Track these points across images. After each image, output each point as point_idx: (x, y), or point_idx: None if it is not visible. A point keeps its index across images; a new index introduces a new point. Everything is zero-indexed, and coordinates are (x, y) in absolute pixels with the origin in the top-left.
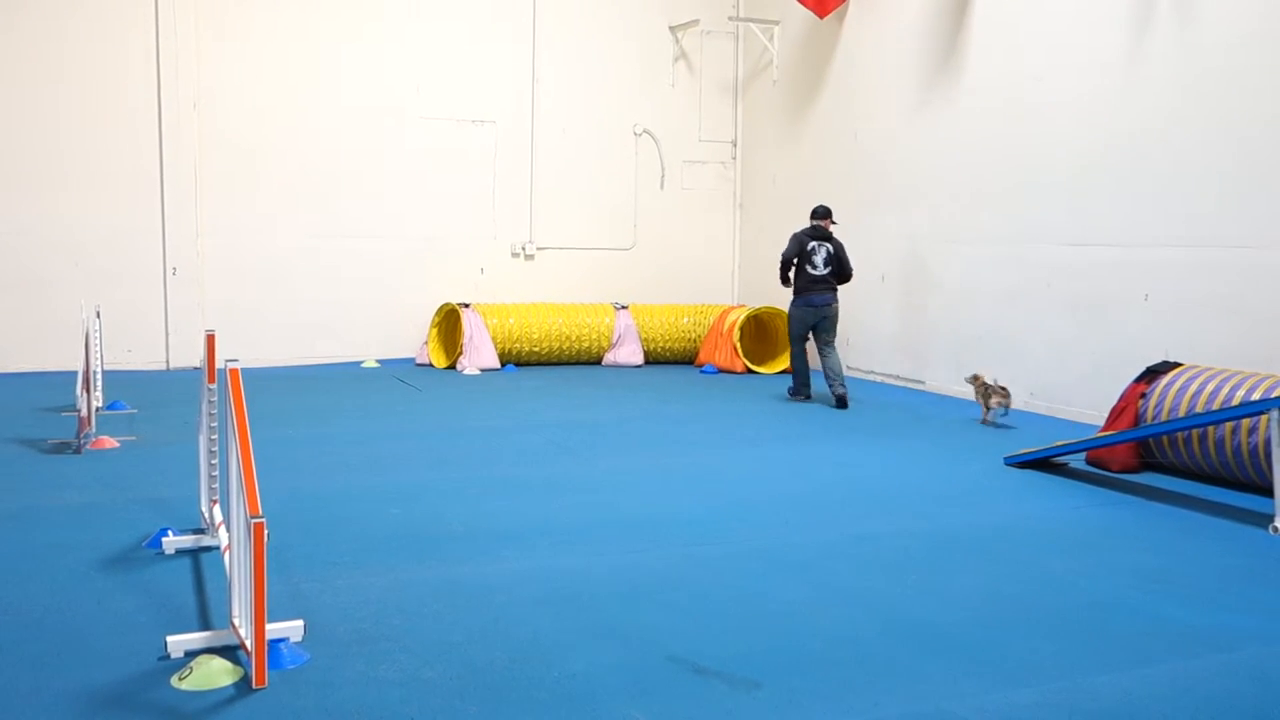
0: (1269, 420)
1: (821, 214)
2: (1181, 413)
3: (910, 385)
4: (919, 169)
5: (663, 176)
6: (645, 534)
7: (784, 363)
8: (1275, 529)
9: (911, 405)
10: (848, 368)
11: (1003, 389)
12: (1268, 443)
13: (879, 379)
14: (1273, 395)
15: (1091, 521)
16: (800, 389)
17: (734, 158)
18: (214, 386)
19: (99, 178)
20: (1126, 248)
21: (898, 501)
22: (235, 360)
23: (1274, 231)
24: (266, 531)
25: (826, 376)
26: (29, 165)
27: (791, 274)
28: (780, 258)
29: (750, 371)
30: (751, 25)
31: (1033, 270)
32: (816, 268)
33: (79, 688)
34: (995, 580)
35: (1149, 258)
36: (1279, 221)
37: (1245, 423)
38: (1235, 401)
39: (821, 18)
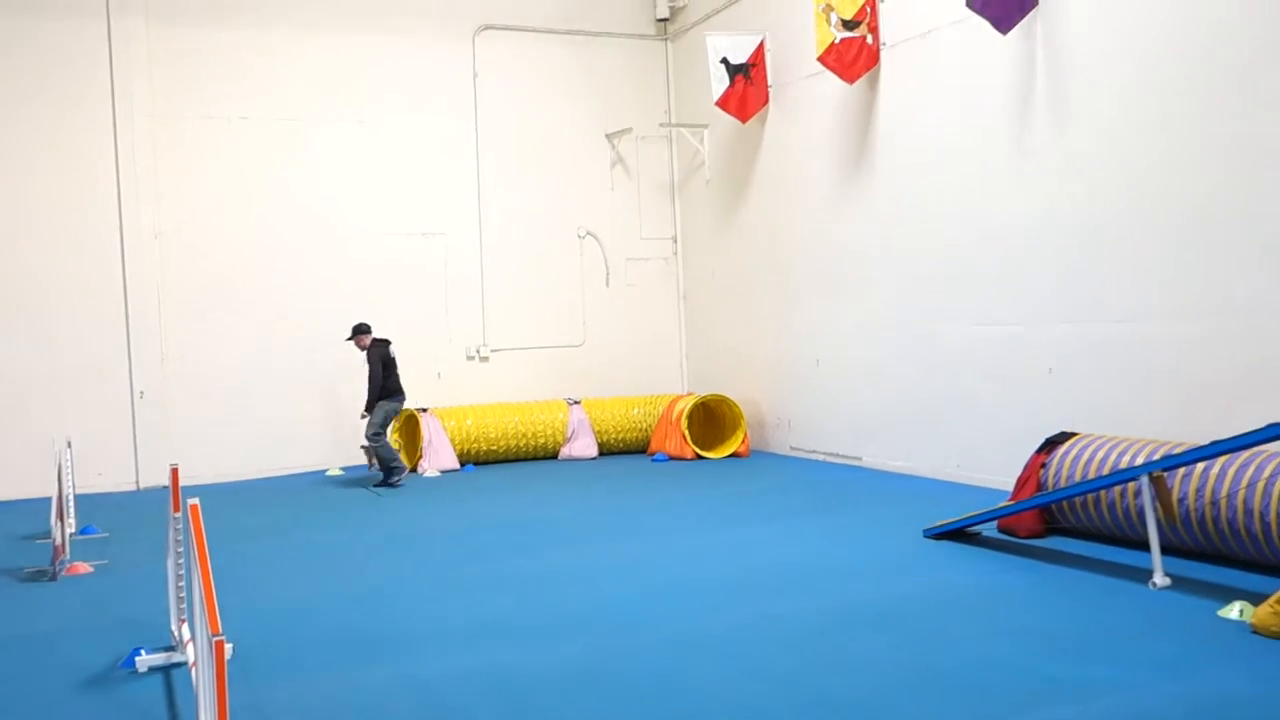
0: (1142, 486)
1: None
2: (1077, 479)
3: (849, 462)
4: (839, 260)
5: (607, 275)
6: (578, 625)
7: (731, 447)
8: (1154, 584)
9: (845, 482)
10: (791, 448)
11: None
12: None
13: (820, 457)
14: (1139, 462)
15: (992, 587)
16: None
17: (675, 253)
18: (179, 515)
19: (68, 307)
20: (1029, 325)
21: (815, 579)
22: (195, 499)
23: (1158, 305)
24: (227, 647)
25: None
26: (2, 305)
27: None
28: (372, 378)
29: (699, 457)
30: (682, 130)
31: (950, 348)
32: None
33: None
34: (894, 648)
35: (1049, 334)
36: (1161, 296)
37: (1131, 486)
38: (1123, 466)
39: (744, 122)
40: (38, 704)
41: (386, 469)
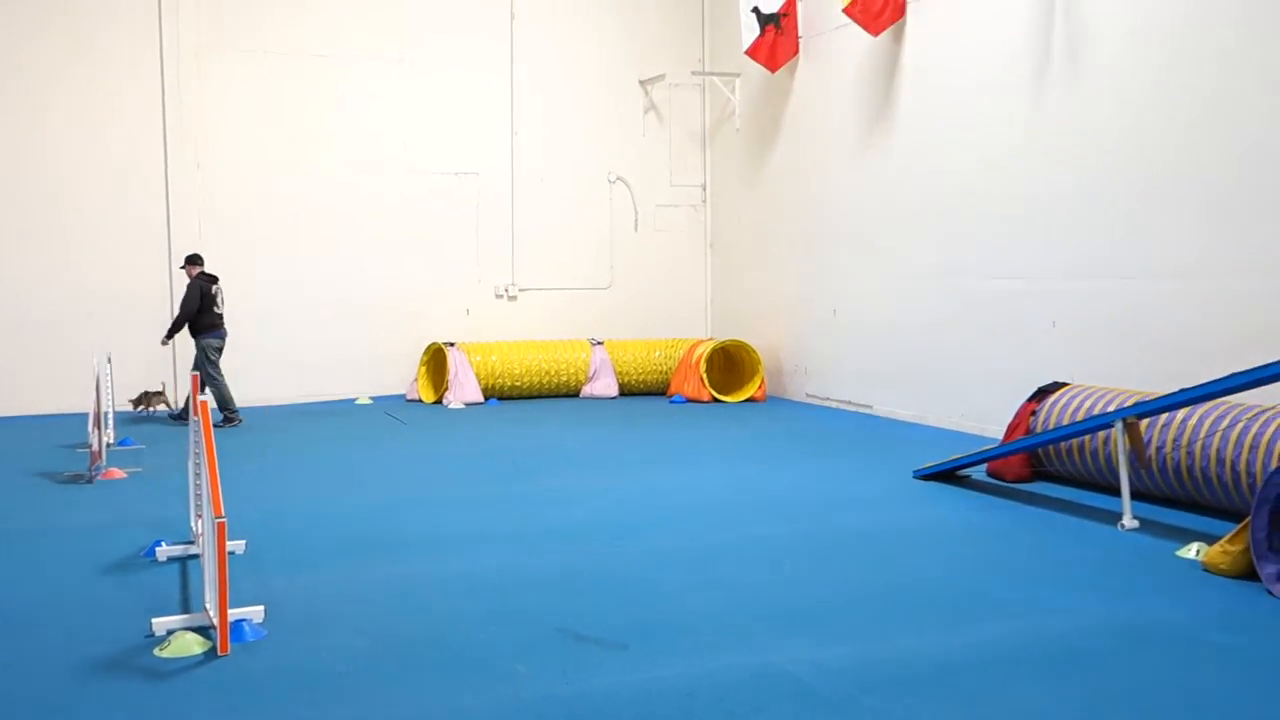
0: (1116, 431)
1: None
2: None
3: (860, 410)
4: (860, 210)
5: (636, 220)
6: (569, 540)
7: (748, 392)
8: (1123, 526)
9: (853, 428)
10: (806, 395)
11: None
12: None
13: (834, 405)
14: (1112, 409)
15: (967, 522)
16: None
17: (704, 201)
18: (198, 419)
19: (113, 234)
20: (1036, 279)
21: (801, 509)
22: (205, 396)
23: (1160, 263)
24: (239, 543)
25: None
26: (48, 224)
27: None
28: (184, 303)
29: (716, 400)
30: (714, 78)
31: (959, 301)
32: (220, 306)
33: (83, 656)
34: (858, 570)
35: (1055, 288)
36: (1165, 254)
37: (1114, 434)
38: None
39: (772, 72)
40: (65, 585)
41: (225, 409)
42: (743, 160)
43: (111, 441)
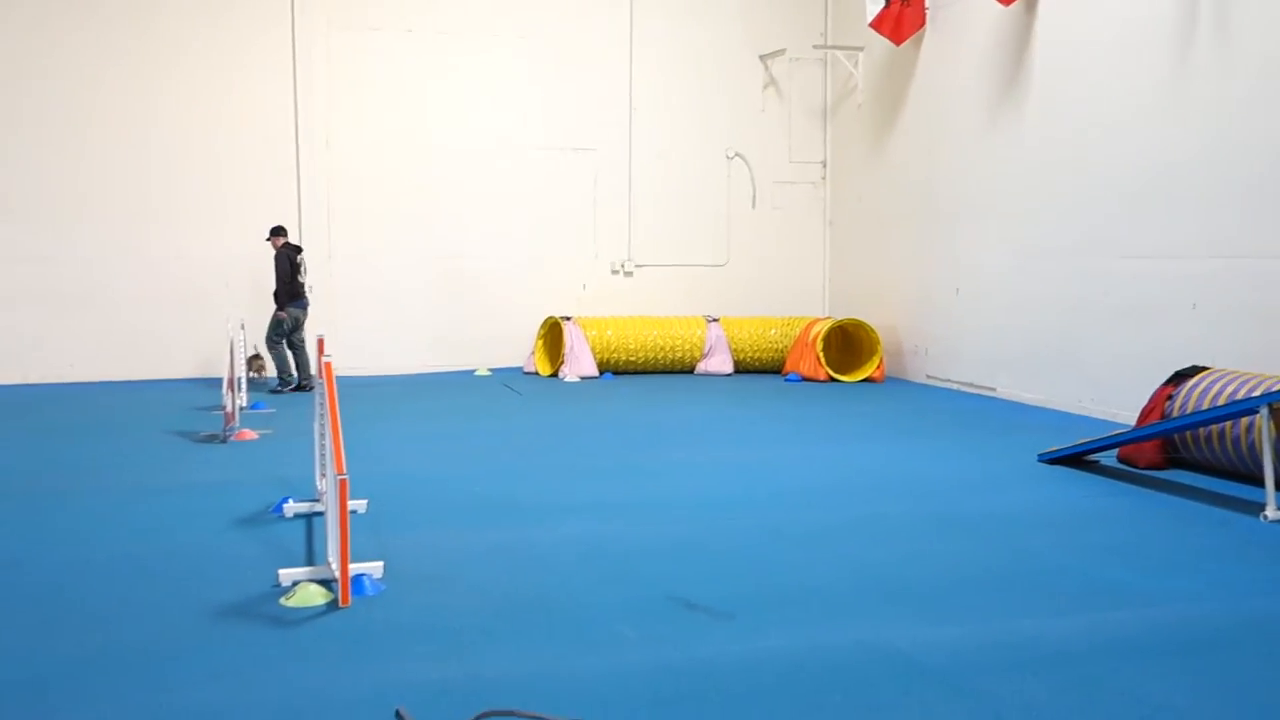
0: (1261, 417)
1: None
2: None
3: (982, 392)
4: (988, 186)
5: (754, 196)
6: (681, 511)
7: (865, 372)
8: (1265, 517)
9: (974, 410)
10: (926, 376)
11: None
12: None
13: (954, 386)
14: (1257, 393)
15: (1091, 508)
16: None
17: (824, 178)
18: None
19: (247, 209)
20: (1175, 259)
21: (920, 490)
22: (329, 356)
23: None
24: (362, 503)
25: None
26: (186, 200)
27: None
28: (280, 275)
29: (833, 380)
30: (837, 52)
31: (1091, 281)
32: (304, 275)
33: (213, 603)
34: (975, 551)
35: (1196, 269)
36: None
37: (1259, 419)
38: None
39: (897, 44)
40: (198, 537)
41: (279, 376)
42: (865, 136)
43: (245, 404)
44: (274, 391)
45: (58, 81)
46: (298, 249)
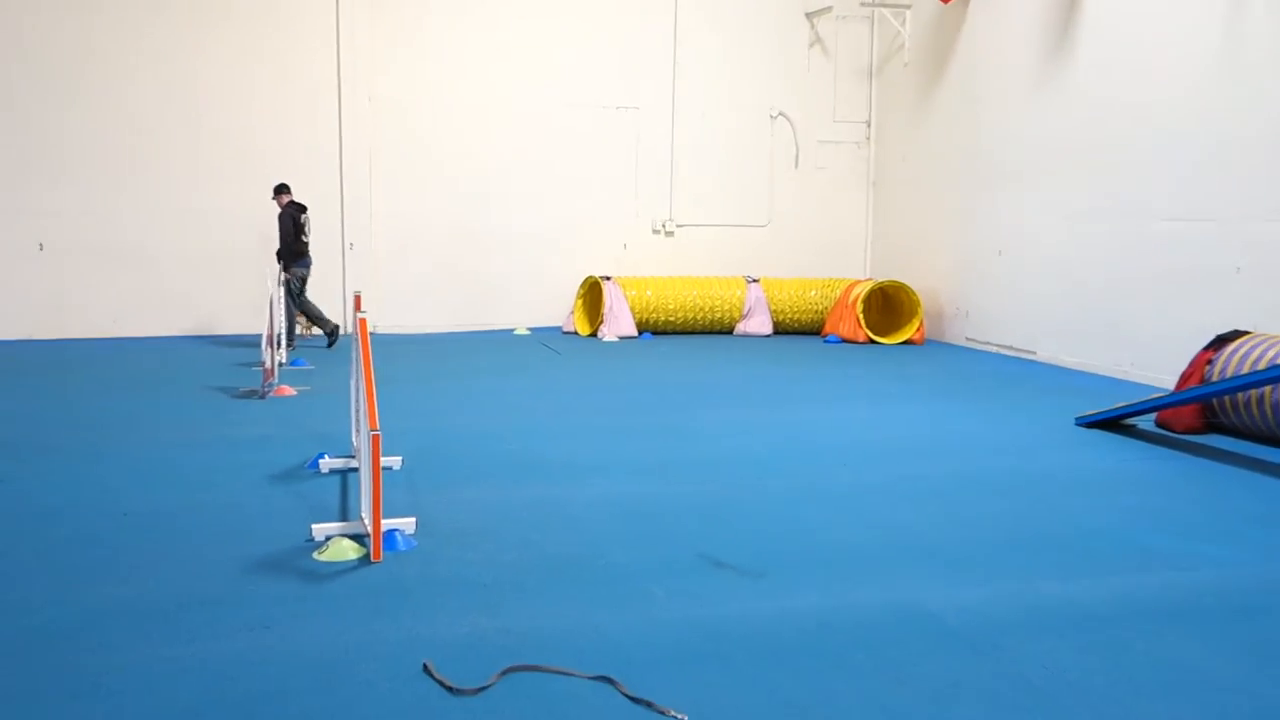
0: None
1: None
2: None
3: (1023, 355)
4: (1033, 149)
5: (797, 156)
6: (716, 470)
7: (906, 334)
8: None
9: (1014, 373)
10: (966, 339)
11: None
12: None
13: (995, 349)
14: None
15: (1127, 472)
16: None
17: (868, 138)
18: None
19: (287, 167)
20: (1219, 223)
21: (956, 451)
22: (364, 313)
23: None
24: (396, 459)
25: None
26: (228, 157)
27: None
28: (284, 234)
29: (872, 342)
30: (884, 10)
31: (1134, 245)
32: (307, 235)
33: (246, 556)
34: (1008, 512)
35: (1241, 231)
36: None
37: None
38: None
39: (945, 3)
40: (233, 492)
41: (323, 326)
42: (910, 96)
43: (284, 361)
44: (328, 346)
45: (101, 38)
46: (302, 208)
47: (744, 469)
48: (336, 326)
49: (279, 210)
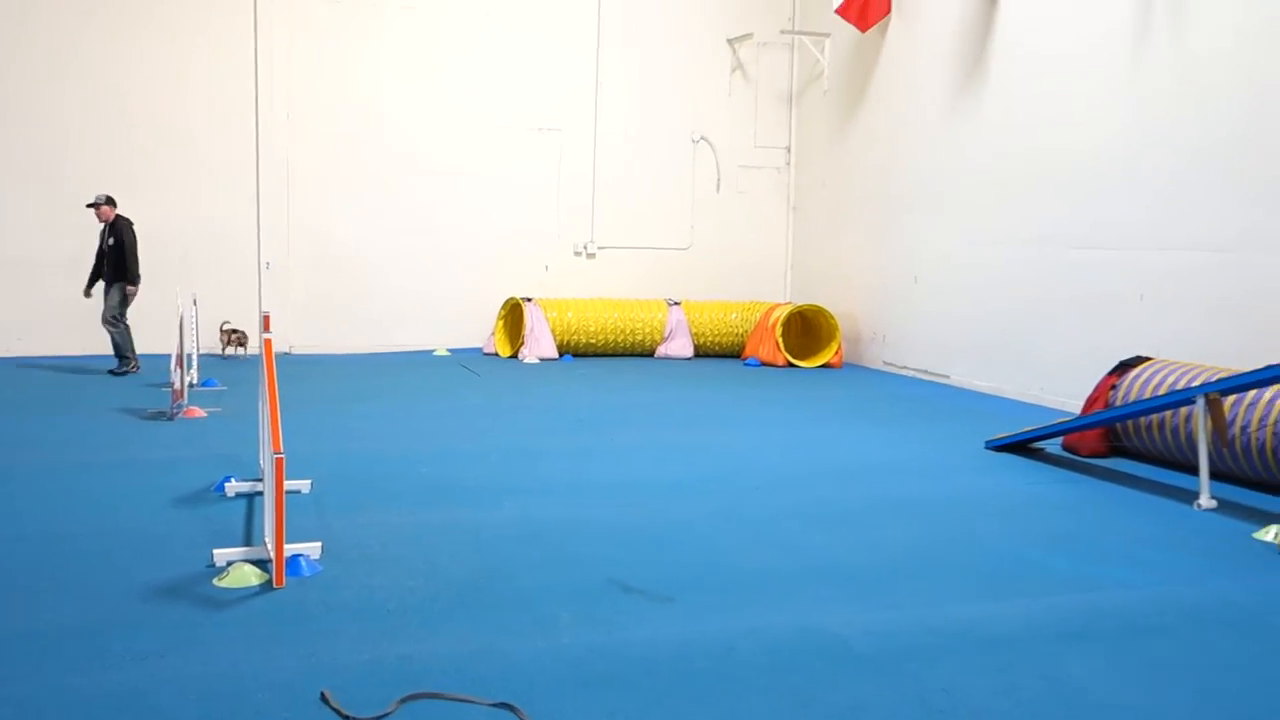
0: (1198, 407)
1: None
2: None
3: (937, 379)
4: (947, 175)
5: (719, 181)
6: (628, 494)
7: (824, 358)
8: (1199, 505)
9: (928, 397)
10: (883, 363)
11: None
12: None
13: (910, 373)
14: (1196, 384)
15: (1033, 495)
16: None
17: (788, 163)
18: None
19: (204, 182)
20: (1124, 251)
21: (868, 476)
22: (270, 334)
23: (1262, 237)
24: (305, 483)
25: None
26: (142, 171)
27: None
28: (132, 250)
29: (791, 365)
30: (804, 38)
31: (1043, 271)
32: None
33: (145, 582)
34: (917, 537)
35: (1145, 260)
36: (1265, 227)
37: (1196, 410)
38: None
39: (863, 31)
40: (136, 515)
41: (120, 355)
42: (829, 122)
43: (195, 382)
44: (114, 373)
45: (18, 48)
46: (130, 221)
47: (658, 492)
48: (136, 367)
49: (112, 222)
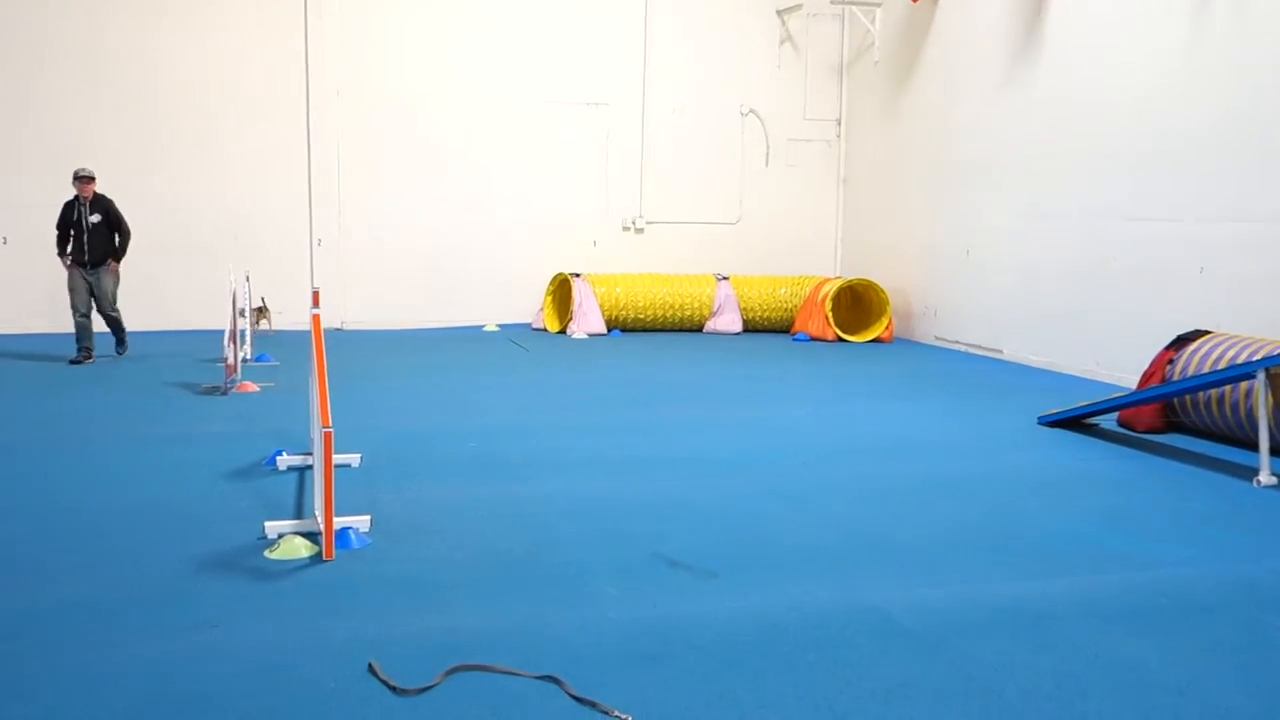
0: (1257, 381)
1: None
2: None
3: (989, 354)
4: (1000, 148)
5: (768, 154)
6: (675, 468)
7: (874, 332)
8: (1259, 482)
9: (980, 372)
10: (934, 337)
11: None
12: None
13: (962, 348)
14: (1256, 358)
15: (1089, 471)
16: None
17: (838, 136)
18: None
19: (255, 161)
20: (1184, 223)
21: (917, 451)
22: (318, 309)
23: None
24: (355, 457)
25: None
26: (196, 152)
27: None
28: (126, 230)
29: (841, 340)
30: (854, 8)
31: (1099, 245)
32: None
33: (196, 554)
34: (966, 512)
35: (1205, 232)
36: None
37: (1255, 384)
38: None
39: (914, 1)
40: (189, 489)
41: (120, 340)
42: (880, 94)
43: (249, 357)
44: (74, 361)
45: (69, 26)
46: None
47: (706, 467)
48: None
49: (87, 199)
